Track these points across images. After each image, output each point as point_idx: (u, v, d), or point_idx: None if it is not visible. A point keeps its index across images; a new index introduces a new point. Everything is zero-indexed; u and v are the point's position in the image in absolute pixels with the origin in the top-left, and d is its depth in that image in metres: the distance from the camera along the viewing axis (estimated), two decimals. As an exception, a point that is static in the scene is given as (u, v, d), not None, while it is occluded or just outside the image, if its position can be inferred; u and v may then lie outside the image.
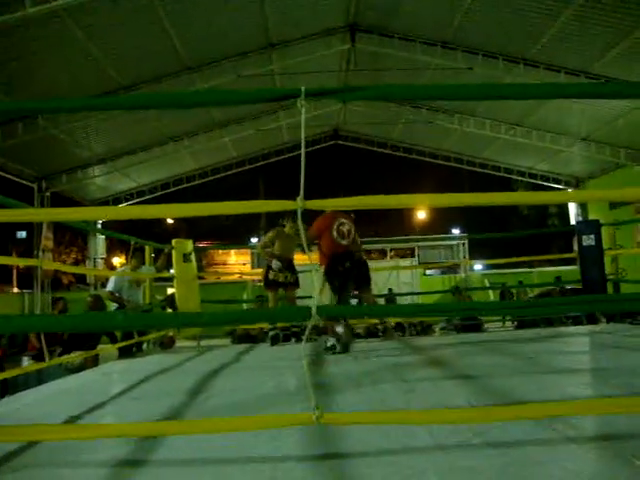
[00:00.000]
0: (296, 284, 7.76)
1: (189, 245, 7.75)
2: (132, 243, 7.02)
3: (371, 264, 7.25)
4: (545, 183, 21.85)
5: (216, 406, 3.42)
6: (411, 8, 13.55)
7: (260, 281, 20.95)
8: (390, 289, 18.78)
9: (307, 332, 2.20)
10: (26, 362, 7.99)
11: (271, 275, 7.57)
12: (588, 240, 7.56)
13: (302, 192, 2.00)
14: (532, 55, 14.06)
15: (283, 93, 2.14)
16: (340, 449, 2.35)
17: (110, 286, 7.88)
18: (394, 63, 15.36)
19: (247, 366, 5.56)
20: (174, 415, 3.17)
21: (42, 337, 4.84)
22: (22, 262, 9.23)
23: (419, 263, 22.41)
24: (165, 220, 27.57)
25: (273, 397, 3.60)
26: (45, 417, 3.38)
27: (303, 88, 2.00)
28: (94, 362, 6.54)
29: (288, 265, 7.64)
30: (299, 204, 1.97)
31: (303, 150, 2.03)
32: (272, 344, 7.35)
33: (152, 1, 11.38)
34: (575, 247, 9.30)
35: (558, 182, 21.72)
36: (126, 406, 3.65)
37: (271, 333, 7.54)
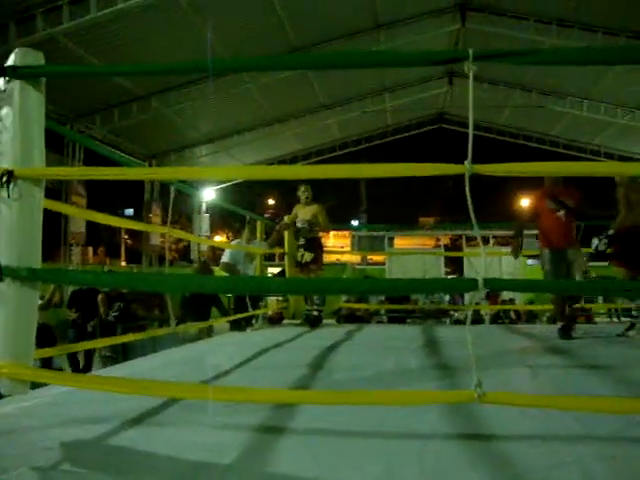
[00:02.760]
0: (314, 263, 6.91)
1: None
2: (247, 218, 7.15)
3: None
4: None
5: (342, 380, 3.39)
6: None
7: (359, 264, 21.14)
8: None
9: (472, 300, 2.10)
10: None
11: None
12: None
13: (470, 155, 1.90)
14: (659, 30, 13.09)
15: (451, 56, 2.04)
16: (484, 429, 2.25)
17: (226, 257, 8.02)
18: (505, 44, 14.74)
19: (361, 344, 5.53)
20: (301, 387, 3.16)
21: (169, 303, 4.95)
22: (155, 229, 9.70)
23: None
24: (266, 201, 28.08)
25: (397, 375, 3.54)
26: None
27: (471, 50, 1.90)
28: (208, 333, 6.72)
29: (307, 243, 6.90)
30: (467, 168, 1.88)
31: (471, 112, 1.93)
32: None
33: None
34: None
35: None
36: (249, 375, 3.68)
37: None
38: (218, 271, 8.75)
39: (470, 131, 1.92)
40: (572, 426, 2.30)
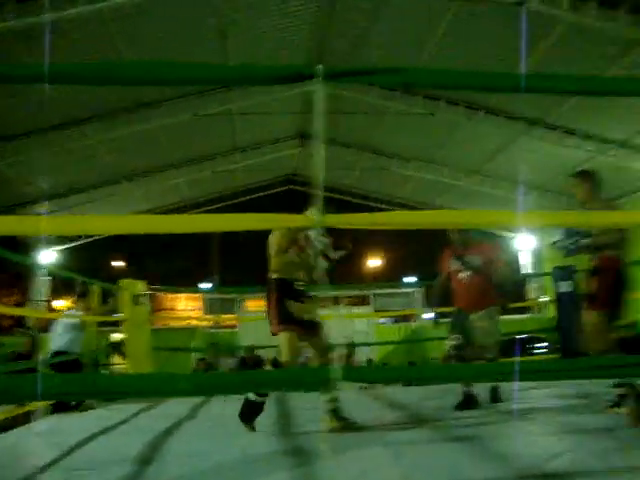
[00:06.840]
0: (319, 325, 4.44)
1: (139, 286, 7.12)
2: (80, 282, 6.34)
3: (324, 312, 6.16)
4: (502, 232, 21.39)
5: (173, 478, 2.83)
6: (375, 53, 13.41)
7: (214, 327, 20.23)
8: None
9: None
10: None
11: (293, 307, 4.18)
12: (564, 287, 7.22)
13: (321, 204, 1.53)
14: (493, 104, 14.14)
15: (298, 72, 1.69)
16: None
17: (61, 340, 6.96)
18: (354, 106, 15.18)
19: (207, 425, 4.80)
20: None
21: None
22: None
23: (375, 311, 21.96)
24: (111, 264, 26.71)
25: (244, 464, 3.03)
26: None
27: (321, 66, 1.57)
28: (24, 418, 5.64)
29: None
30: (314, 219, 1.50)
31: (321, 138, 1.56)
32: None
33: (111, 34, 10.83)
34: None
35: (510, 230, 21.23)
36: None
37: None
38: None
39: (318, 166, 1.56)
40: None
